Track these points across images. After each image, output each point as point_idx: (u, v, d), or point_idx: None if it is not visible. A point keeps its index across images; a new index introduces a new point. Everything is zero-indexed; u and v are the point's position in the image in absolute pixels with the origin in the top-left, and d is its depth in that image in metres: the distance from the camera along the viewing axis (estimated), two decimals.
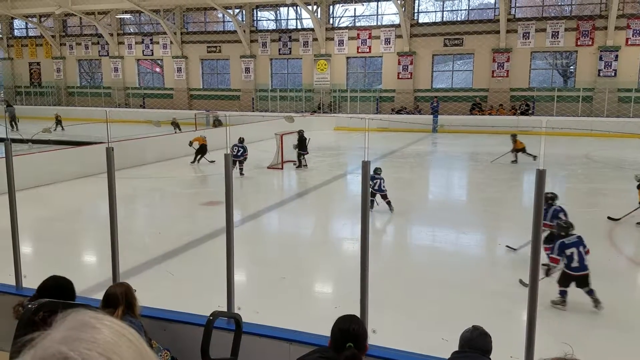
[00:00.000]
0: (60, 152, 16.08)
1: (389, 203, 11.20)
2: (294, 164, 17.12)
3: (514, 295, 6.85)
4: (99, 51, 38.11)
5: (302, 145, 16.90)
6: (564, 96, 27.82)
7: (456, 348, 3.14)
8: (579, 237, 6.51)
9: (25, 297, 4.29)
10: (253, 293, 7.01)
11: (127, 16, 36.33)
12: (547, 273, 6.48)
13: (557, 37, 27.56)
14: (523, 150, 16.66)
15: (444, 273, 7.72)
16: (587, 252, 6.45)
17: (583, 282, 6.30)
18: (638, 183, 10.57)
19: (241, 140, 16.08)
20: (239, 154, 15.56)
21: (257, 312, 5.65)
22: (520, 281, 6.80)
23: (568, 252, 6.37)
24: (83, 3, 33.04)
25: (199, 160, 17.67)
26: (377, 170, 11.44)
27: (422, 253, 9.07)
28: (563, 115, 26.83)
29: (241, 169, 15.59)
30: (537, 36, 27.86)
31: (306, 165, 17.03)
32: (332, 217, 11.78)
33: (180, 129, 23.77)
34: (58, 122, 27.72)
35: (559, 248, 6.43)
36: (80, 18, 36.74)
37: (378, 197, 11.17)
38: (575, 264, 6.33)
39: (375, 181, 10.99)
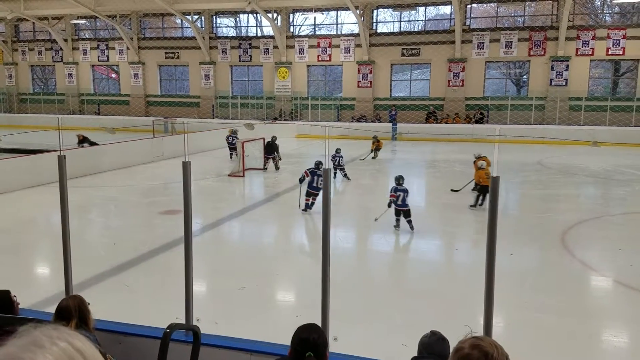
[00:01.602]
0: (9, 160, 15.49)
1: (345, 175, 15.78)
2: (264, 168, 17.79)
3: (471, 300, 6.98)
4: (53, 57, 37.06)
5: (269, 149, 17.78)
6: (517, 105, 28.71)
7: (416, 353, 3.16)
8: (406, 189, 10.56)
9: None
10: (213, 304, 6.90)
11: (82, 21, 35.51)
12: (389, 205, 10.50)
13: (511, 47, 28.44)
14: (378, 149, 20.52)
15: (404, 279, 7.80)
16: (407, 195, 10.48)
17: (406, 214, 10.33)
18: (474, 159, 13.76)
19: (234, 131, 19.88)
20: (234, 142, 19.53)
21: (216, 322, 5.56)
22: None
23: (397, 194, 10.37)
24: (36, 8, 32.07)
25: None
26: (338, 150, 16.14)
27: (382, 259, 9.14)
28: (516, 124, 27.68)
29: (231, 154, 19.67)
30: (491, 46, 28.69)
31: (277, 168, 17.90)
32: (293, 225, 11.74)
33: (88, 144, 19.61)
34: None
35: (393, 190, 10.52)
36: (33, 23, 35.70)
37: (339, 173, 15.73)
38: (399, 202, 10.35)
39: (335, 158, 15.83)
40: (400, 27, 30.89)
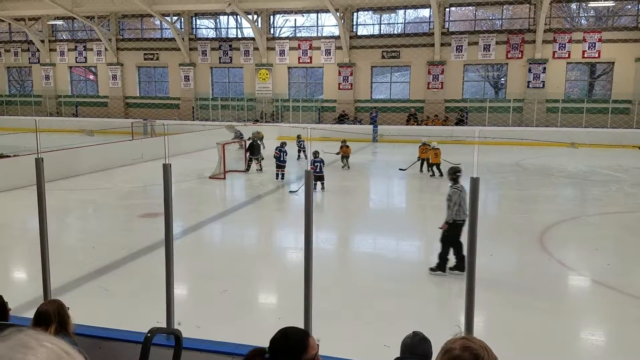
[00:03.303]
0: None
1: (305, 156, 19.51)
2: (246, 170, 17.80)
3: (452, 300, 7.05)
4: (30, 58, 36.45)
5: (253, 150, 17.77)
6: (496, 107, 29.08)
7: (398, 354, 3.18)
8: (322, 159, 14.45)
9: None
10: (194, 307, 6.85)
11: (60, 22, 35.01)
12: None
13: (489, 50, 28.80)
14: (345, 156, 18.41)
15: (386, 280, 7.83)
16: (323, 165, 14.40)
17: (320, 179, 14.15)
18: (420, 143, 17.62)
19: (259, 136, 19.78)
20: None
21: (198, 326, 5.53)
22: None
23: (315, 165, 13.91)
24: (12, 8, 31.53)
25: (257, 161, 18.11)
26: (299, 136, 20.81)
27: (364, 260, 9.16)
28: (495, 125, 28.02)
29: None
30: (469, 49, 29.02)
31: (260, 169, 17.87)
32: (275, 227, 11.72)
33: None
34: None
35: (311, 162, 14.05)
36: (9, 24, 35.05)
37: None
38: (317, 170, 13.81)
39: (300, 143, 20.33)
40: (380, 29, 31.08)
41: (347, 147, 18.52)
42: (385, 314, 6.60)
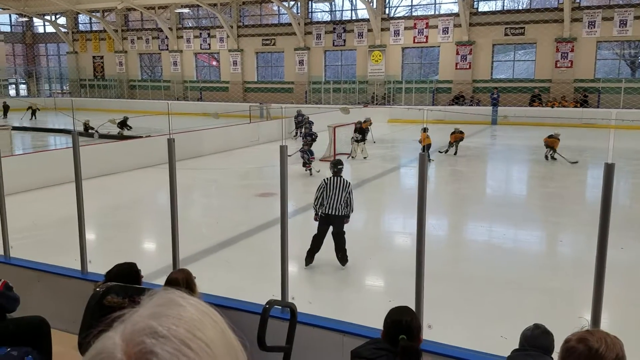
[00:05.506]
0: (122, 143, 16.68)
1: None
2: (351, 156, 17.06)
3: (575, 294, 6.60)
4: (159, 45, 39.20)
5: (363, 134, 17.44)
6: (632, 87, 26.41)
7: (516, 346, 3.05)
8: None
9: (90, 282, 4.50)
10: (306, 284, 7.06)
11: (186, 10, 37.21)
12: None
13: (625, 26, 26.17)
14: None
15: (503, 270, 7.51)
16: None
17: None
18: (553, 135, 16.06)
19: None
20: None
21: (310, 302, 5.69)
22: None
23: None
24: None
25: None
26: (299, 111, 20.93)
27: (479, 249, 8.85)
28: (630, 108, 25.49)
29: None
30: (603, 25, 26.54)
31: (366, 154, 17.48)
32: (385, 211, 11.68)
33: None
34: (33, 112, 28.92)
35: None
36: (141, 13, 37.91)
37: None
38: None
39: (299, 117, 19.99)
40: (503, 5, 29.43)
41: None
42: (501, 304, 6.35)
